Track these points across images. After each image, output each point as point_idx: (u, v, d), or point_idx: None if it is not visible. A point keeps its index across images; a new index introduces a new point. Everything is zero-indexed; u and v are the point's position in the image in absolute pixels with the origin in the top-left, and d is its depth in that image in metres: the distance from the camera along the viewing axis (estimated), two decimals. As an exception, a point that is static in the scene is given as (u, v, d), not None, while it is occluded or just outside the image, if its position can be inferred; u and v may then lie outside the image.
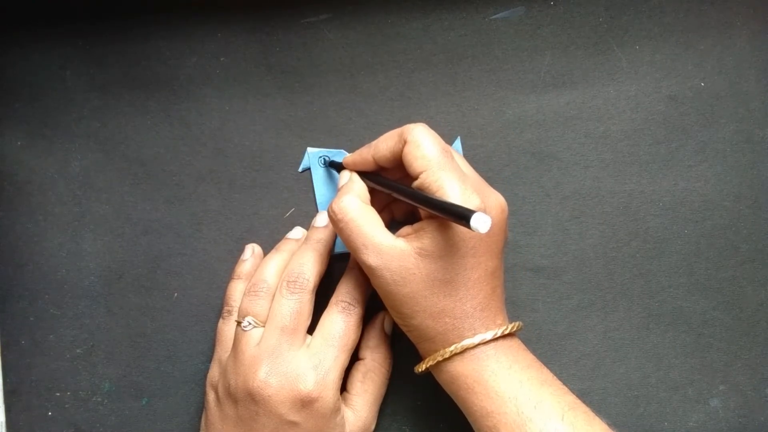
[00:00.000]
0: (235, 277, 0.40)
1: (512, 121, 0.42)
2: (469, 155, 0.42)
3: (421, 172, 0.34)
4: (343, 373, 0.36)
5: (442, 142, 0.36)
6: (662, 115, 0.42)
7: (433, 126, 0.42)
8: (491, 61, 0.42)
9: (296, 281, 0.37)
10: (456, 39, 0.42)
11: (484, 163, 0.42)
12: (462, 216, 0.29)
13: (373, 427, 0.39)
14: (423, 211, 0.34)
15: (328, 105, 0.43)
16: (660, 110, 0.42)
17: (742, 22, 0.42)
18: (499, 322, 0.35)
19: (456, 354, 0.34)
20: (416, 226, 0.35)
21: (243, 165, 0.43)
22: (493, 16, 0.42)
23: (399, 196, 0.35)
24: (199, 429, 0.39)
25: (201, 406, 0.42)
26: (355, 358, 0.39)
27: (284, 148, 0.43)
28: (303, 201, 0.42)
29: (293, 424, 0.34)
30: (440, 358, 0.34)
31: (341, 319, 0.37)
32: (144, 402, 0.42)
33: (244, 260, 0.41)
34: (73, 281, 0.43)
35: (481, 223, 0.29)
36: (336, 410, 0.36)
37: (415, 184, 0.34)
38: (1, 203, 0.43)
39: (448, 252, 0.33)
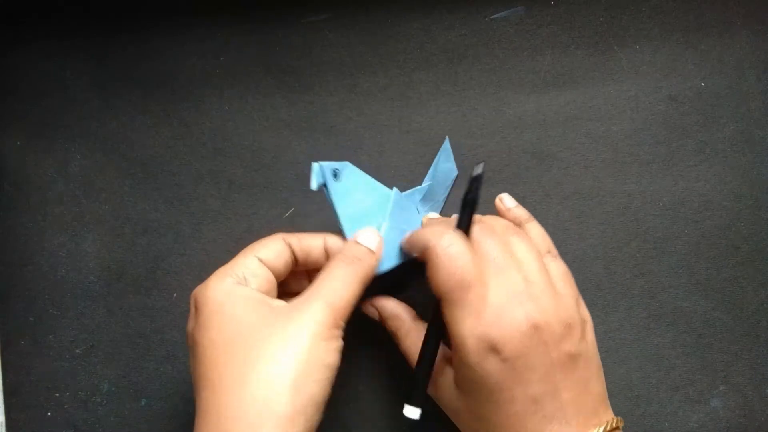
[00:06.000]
0: None
1: (512, 121, 0.42)
2: (469, 155, 0.42)
3: (438, 300, 0.33)
4: (244, 269, 0.33)
5: (467, 264, 0.32)
6: (662, 115, 0.42)
7: (433, 126, 0.42)
8: (491, 61, 0.42)
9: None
10: (456, 39, 0.42)
11: (484, 163, 0.42)
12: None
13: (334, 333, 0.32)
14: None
15: (328, 105, 0.43)
16: (660, 110, 0.42)
17: (742, 22, 0.42)
18: None
19: None
20: (450, 353, 0.34)
21: (242, 165, 0.43)
22: (494, 16, 0.42)
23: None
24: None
25: (200, 407, 0.41)
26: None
27: (284, 148, 0.43)
28: (302, 201, 0.42)
29: (193, 345, 0.32)
30: None
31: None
32: (143, 402, 0.42)
33: None
34: (73, 281, 0.43)
35: (409, 411, 0.33)
36: (226, 297, 0.31)
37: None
38: (1, 203, 0.43)
39: (473, 387, 0.32)
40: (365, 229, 0.35)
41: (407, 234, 0.36)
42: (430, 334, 0.34)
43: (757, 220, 0.42)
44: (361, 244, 0.35)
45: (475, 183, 0.34)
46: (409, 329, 0.36)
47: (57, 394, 0.42)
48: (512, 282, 0.32)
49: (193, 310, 0.32)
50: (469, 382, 0.32)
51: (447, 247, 0.32)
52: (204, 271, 0.42)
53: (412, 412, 0.33)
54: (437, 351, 0.34)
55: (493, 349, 0.30)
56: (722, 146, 0.42)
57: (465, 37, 0.42)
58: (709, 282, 0.42)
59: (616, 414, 0.41)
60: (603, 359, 0.41)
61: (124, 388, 0.42)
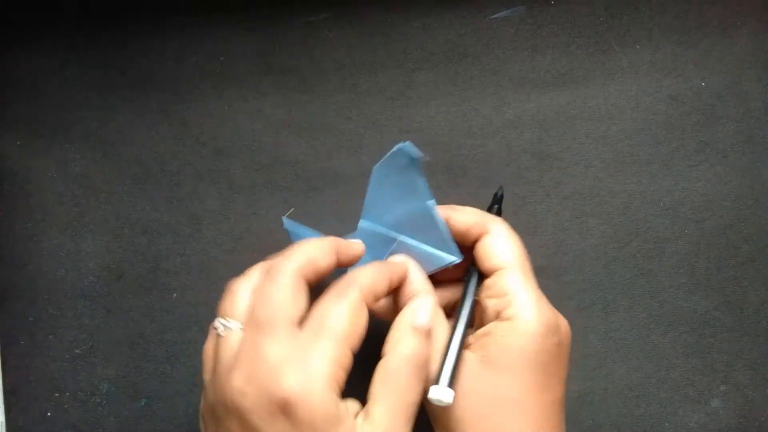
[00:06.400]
0: None
1: (512, 121, 0.42)
2: (470, 155, 0.42)
3: (499, 269, 0.32)
4: (342, 371, 0.28)
5: (522, 246, 0.33)
6: (663, 115, 0.42)
7: (433, 126, 0.42)
8: (491, 61, 0.42)
9: (276, 266, 0.29)
10: (456, 38, 0.42)
11: (484, 163, 0.42)
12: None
13: None
14: (490, 313, 0.32)
15: (328, 105, 0.43)
16: (660, 110, 0.42)
17: (742, 22, 0.42)
18: None
19: None
20: (480, 331, 0.31)
21: (242, 165, 0.43)
22: (494, 16, 0.42)
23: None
24: (197, 430, 0.39)
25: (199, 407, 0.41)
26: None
27: (283, 147, 0.43)
28: (302, 201, 0.42)
29: None
30: None
31: (334, 302, 0.29)
32: (143, 403, 0.42)
33: None
34: (72, 281, 0.43)
35: (441, 394, 0.28)
36: (331, 419, 0.27)
37: (488, 281, 0.32)
38: (1, 203, 0.43)
39: (519, 364, 0.29)
40: (423, 300, 0.31)
41: (448, 212, 0.34)
42: (463, 310, 0.32)
43: (758, 220, 0.42)
44: (422, 327, 0.30)
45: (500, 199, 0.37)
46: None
47: (57, 394, 0.42)
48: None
49: (279, 414, 0.26)
50: (515, 355, 0.29)
51: (503, 221, 0.34)
52: (203, 272, 0.42)
53: (445, 394, 0.29)
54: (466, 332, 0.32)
55: (555, 327, 0.30)
56: (722, 146, 0.42)
57: (465, 36, 0.42)
58: (709, 282, 0.42)
59: (615, 414, 0.41)
60: (603, 359, 0.42)
61: (124, 388, 0.42)
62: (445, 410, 0.30)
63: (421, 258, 0.34)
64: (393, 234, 0.35)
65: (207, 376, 0.31)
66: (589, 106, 0.42)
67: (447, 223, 0.34)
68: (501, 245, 0.32)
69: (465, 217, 0.34)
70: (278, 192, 0.43)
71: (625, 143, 0.42)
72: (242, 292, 0.30)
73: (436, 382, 0.29)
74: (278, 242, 0.42)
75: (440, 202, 0.41)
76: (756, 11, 0.42)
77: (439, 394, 0.28)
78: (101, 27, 0.43)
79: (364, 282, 0.30)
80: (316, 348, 0.27)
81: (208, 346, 0.31)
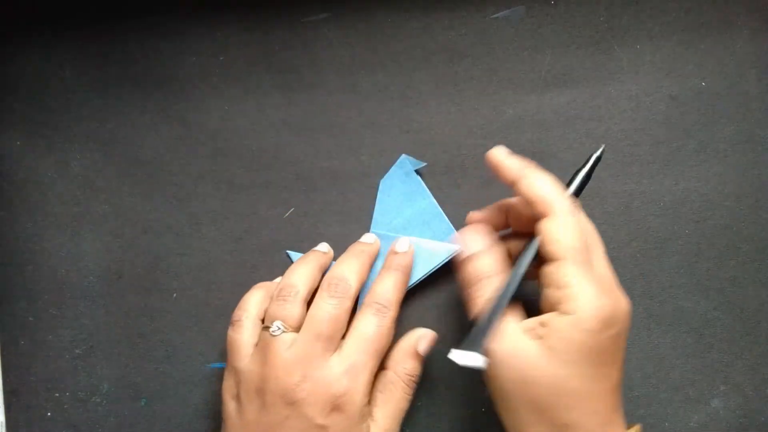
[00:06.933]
0: (256, 287, 0.39)
1: (512, 120, 0.42)
2: (470, 155, 0.42)
3: (557, 260, 0.32)
4: (373, 376, 0.35)
5: (584, 233, 0.33)
6: (663, 115, 0.42)
7: (433, 126, 0.42)
8: (491, 61, 0.42)
9: (338, 285, 0.36)
10: (456, 38, 0.42)
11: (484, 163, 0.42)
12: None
13: None
14: (547, 301, 0.32)
15: (327, 104, 0.43)
16: (661, 110, 0.42)
17: (743, 21, 0.42)
18: None
19: None
20: (542, 319, 0.32)
21: (242, 165, 0.43)
22: (494, 15, 0.42)
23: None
24: (197, 430, 0.39)
25: (199, 407, 0.41)
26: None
27: (283, 147, 0.43)
28: (302, 201, 0.42)
29: (322, 427, 0.33)
30: None
31: (374, 322, 0.36)
32: (143, 402, 0.42)
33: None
34: (72, 281, 0.43)
35: (471, 359, 0.32)
36: (364, 415, 0.35)
37: (546, 268, 0.32)
38: (0, 203, 0.43)
39: (579, 357, 0.30)
40: (425, 332, 0.38)
41: (522, 172, 0.34)
42: (509, 285, 0.33)
43: (758, 220, 0.42)
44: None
45: (594, 162, 0.36)
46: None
47: (57, 394, 0.42)
48: (604, 263, 0.33)
49: (330, 408, 0.34)
50: (573, 350, 0.30)
51: (575, 208, 0.33)
52: (203, 271, 0.42)
53: (474, 359, 0.32)
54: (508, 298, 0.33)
55: (608, 322, 0.30)
56: (722, 146, 0.42)
57: (465, 36, 0.42)
58: (709, 282, 0.42)
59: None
60: (603, 359, 0.41)
61: (124, 388, 0.42)
62: (507, 397, 0.32)
63: (429, 253, 0.39)
64: (403, 236, 0.40)
65: (242, 362, 0.36)
66: (590, 105, 0.42)
67: (515, 185, 0.34)
68: (561, 232, 0.32)
69: (534, 188, 0.34)
70: (278, 192, 0.43)
71: (626, 143, 0.42)
72: (293, 300, 0.36)
73: (471, 347, 0.32)
74: (278, 242, 0.42)
75: (440, 202, 0.41)
76: (756, 11, 0.42)
77: (463, 358, 0.32)
78: (101, 27, 0.43)
79: (395, 301, 0.37)
80: (360, 359, 0.35)
81: (240, 337, 0.36)
